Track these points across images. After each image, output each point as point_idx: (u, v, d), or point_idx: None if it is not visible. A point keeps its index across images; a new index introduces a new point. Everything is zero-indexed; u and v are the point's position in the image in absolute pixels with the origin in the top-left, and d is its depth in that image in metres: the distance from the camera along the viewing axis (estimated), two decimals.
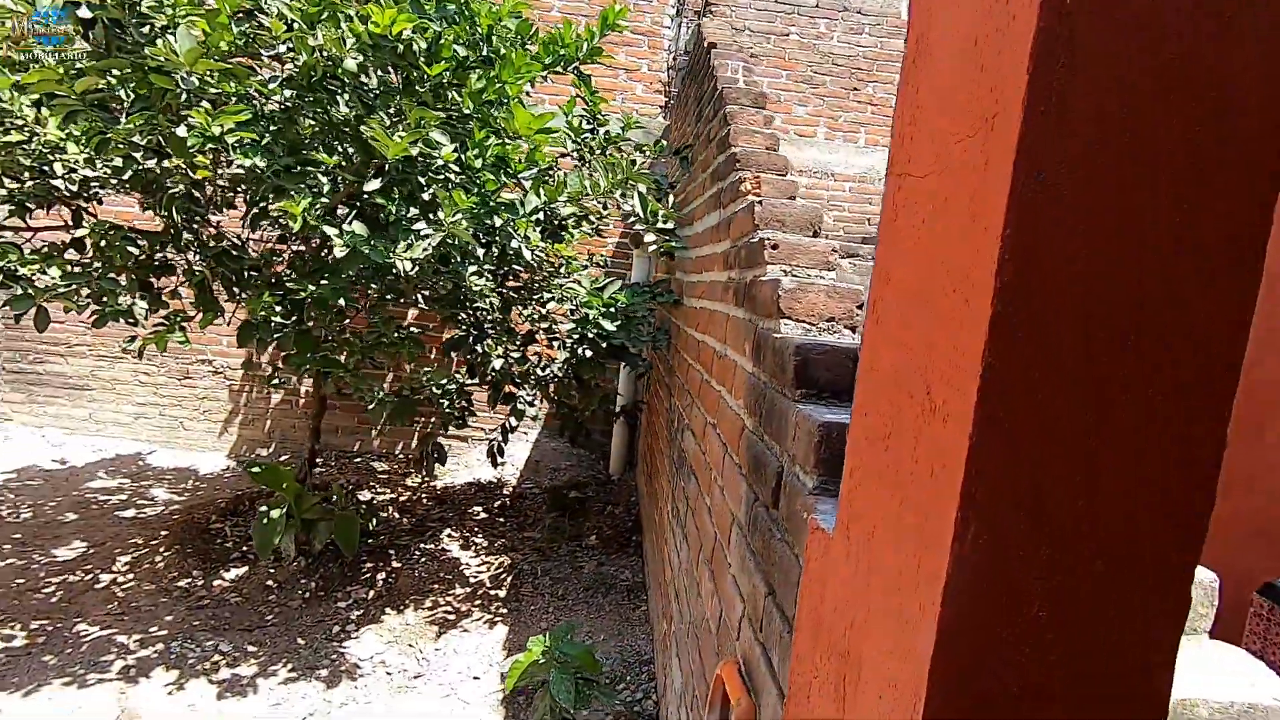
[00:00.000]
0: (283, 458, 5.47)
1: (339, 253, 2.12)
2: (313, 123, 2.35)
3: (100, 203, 2.89)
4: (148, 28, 1.95)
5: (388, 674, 2.96)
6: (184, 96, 2.03)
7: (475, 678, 2.94)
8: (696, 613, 1.98)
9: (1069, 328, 0.55)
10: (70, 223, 2.68)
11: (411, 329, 3.26)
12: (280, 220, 2.69)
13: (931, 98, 0.71)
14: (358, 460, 5.55)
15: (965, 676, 0.58)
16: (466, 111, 2.51)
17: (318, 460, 5.51)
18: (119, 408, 5.65)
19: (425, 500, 4.81)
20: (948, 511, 0.58)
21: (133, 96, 2.23)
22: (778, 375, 1.34)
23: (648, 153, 3.46)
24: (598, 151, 3.28)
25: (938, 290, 0.64)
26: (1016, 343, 0.55)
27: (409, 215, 2.40)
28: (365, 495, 4.84)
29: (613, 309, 3.08)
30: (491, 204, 2.49)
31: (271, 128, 2.21)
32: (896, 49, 5.56)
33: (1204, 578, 2.25)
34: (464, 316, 3.34)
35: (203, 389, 5.62)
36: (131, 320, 2.55)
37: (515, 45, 2.54)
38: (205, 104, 2.04)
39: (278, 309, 2.68)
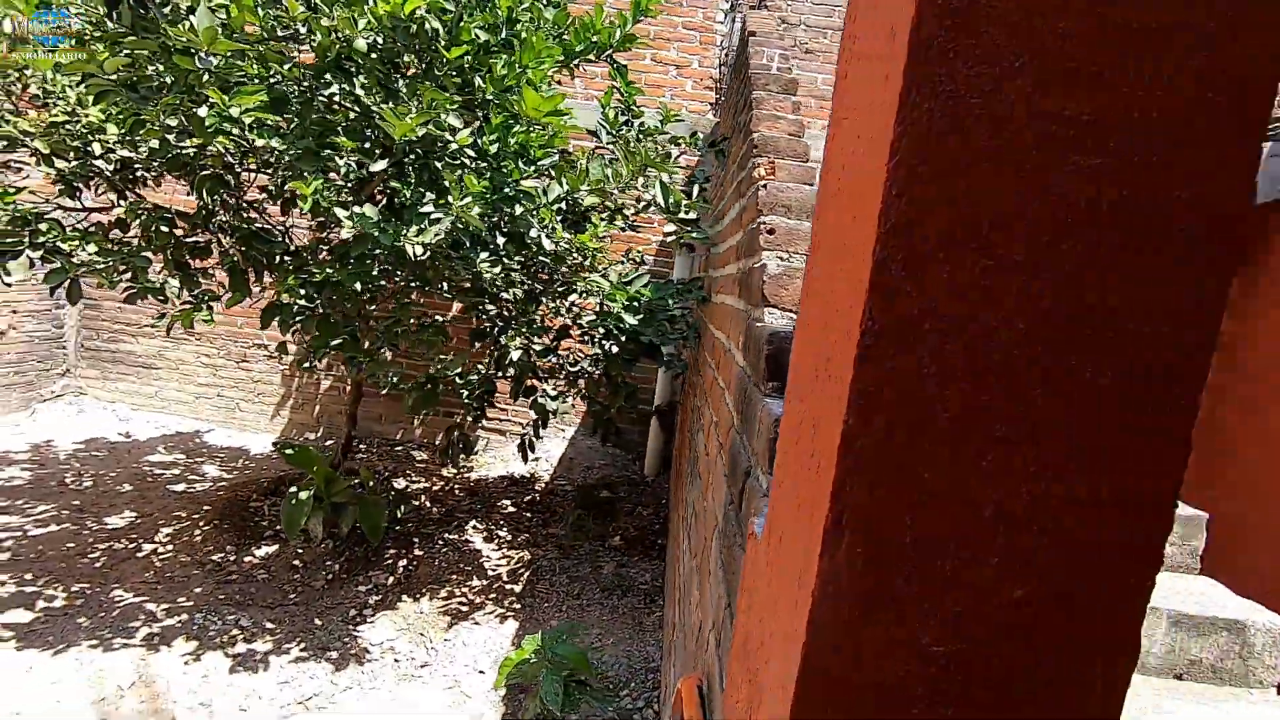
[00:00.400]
0: (328, 442, 5.62)
1: (345, 235, 2.11)
2: (339, 104, 2.36)
3: (147, 184, 2.99)
4: (170, 8, 1.99)
5: (395, 661, 2.95)
6: (205, 77, 2.07)
7: (480, 671, 2.90)
8: (686, 621, 1.87)
9: (977, 273, 0.43)
10: (114, 203, 2.79)
11: (437, 317, 3.26)
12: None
13: (865, 21, 0.60)
14: (399, 449, 5.65)
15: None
16: (488, 97, 2.47)
17: (361, 446, 5.65)
18: (182, 387, 5.93)
19: (457, 491, 4.83)
20: (821, 513, 0.47)
21: (170, 79, 2.29)
22: (754, 368, 1.22)
23: (683, 145, 3.36)
24: (632, 144, 3.21)
25: (842, 240, 0.53)
26: (906, 295, 0.43)
27: (425, 199, 2.39)
28: (400, 483, 4.91)
29: (636, 304, 3.00)
30: (509, 191, 2.45)
31: (292, 109, 2.24)
32: None
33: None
34: (490, 307, 3.32)
35: (258, 373, 5.84)
36: (162, 298, 2.63)
37: (536, 29, 2.50)
38: (216, 83, 2.07)
39: (301, 292, 2.71)
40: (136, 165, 2.68)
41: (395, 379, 2.86)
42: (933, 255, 0.43)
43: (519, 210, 2.59)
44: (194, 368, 5.92)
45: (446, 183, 2.26)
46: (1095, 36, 0.41)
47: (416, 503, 4.53)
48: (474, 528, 4.22)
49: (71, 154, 2.52)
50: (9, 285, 2.50)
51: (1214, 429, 3.55)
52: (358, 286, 2.52)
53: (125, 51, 2.21)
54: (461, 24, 2.32)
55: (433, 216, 2.22)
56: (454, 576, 3.63)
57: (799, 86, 2.56)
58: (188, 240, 2.91)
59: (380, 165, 2.22)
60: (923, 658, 0.46)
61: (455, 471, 5.20)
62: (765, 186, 1.66)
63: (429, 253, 2.34)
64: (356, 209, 2.17)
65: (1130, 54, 0.41)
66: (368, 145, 2.62)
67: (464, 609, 3.35)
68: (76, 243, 2.47)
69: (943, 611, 0.45)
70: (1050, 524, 0.44)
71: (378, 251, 2.64)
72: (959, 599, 0.45)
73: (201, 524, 4.03)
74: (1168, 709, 1.78)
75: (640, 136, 3.29)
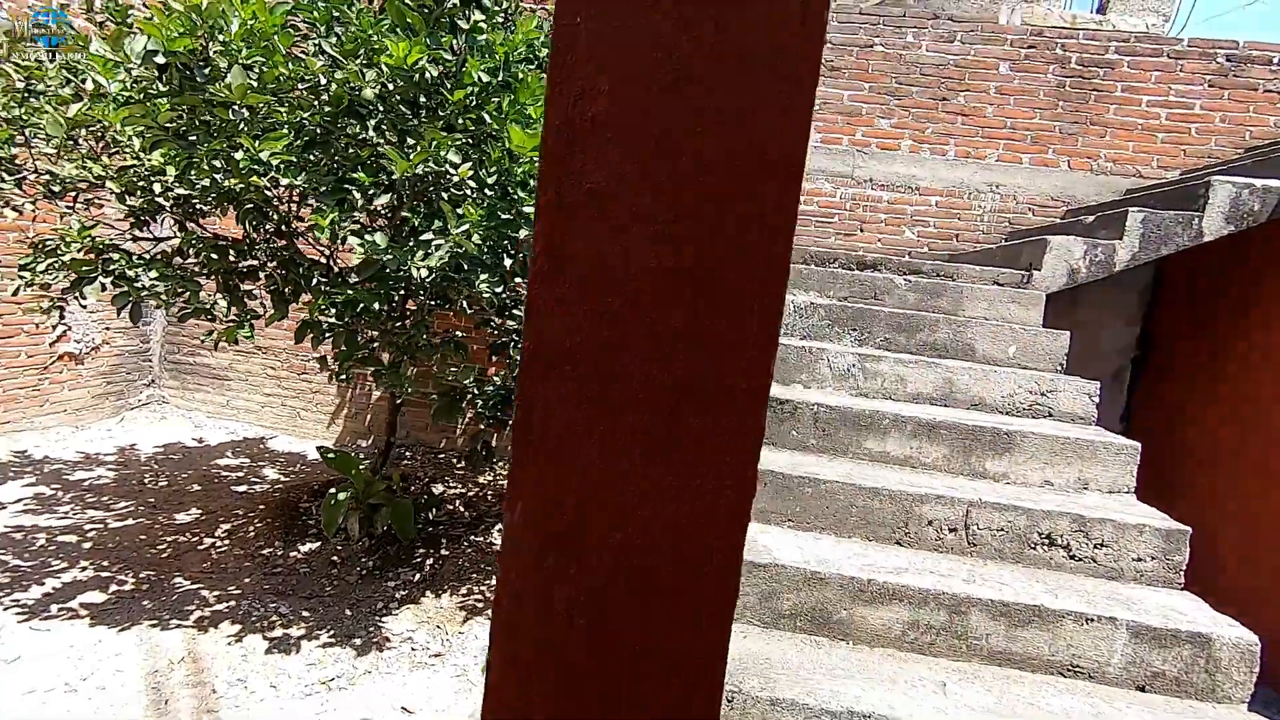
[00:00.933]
0: (377, 449, 6.01)
1: (355, 260, 2.38)
2: (354, 145, 2.66)
3: (207, 215, 3.37)
4: (210, 69, 2.32)
5: (412, 650, 3.20)
6: (240, 125, 2.39)
7: (488, 663, 3.10)
8: None
9: (598, 309, 0.59)
10: (174, 233, 3.18)
11: (458, 333, 3.52)
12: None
13: None
14: (441, 456, 5.98)
15: (514, 688, 0.62)
16: (491, 132, 2.71)
17: (407, 453, 6.01)
18: (250, 396, 6.46)
19: (490, 496, 5.10)
20: None
21: (218, 123, 2.63)
22: None
23: None
24: None
25: None
26: (551, 319, 0.59)
27: (433, 228, 2.64)
28: (439, 488, 5.21)
29: None
30: (507, 217, 2.67)
31: (313, 152, 2.54)
32: (992, 55, 5.24)
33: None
34: (510, 323, 3.56)
35: (316, 384, 6.30)
36: (211, 317, 2.99)
37: (533, 69, 2.73)
38: (256, 129, 2.39)
39: (331, 311, 3.01)
40: (194, 200, 3.04)
41: (410, 390, 3.13)
42: (568, 297, 0.59)
43: (523, 234, 2.81)
44: (261, 379, 6.44)
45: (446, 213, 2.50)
46: (670, 199, 0.57)
47: (450, 507, 4.81)
48: (499, 530, 4.46)
49: (139, 192, 2.91)
50: (84, 307, 2.89)
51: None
52: (376, 306, 2.79)
53: (180, 105, 2.57)
54: (465, 67, 2.57)
55: (435, 243, 2.47)
56: (475, 575, 3.87)
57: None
58: (240, 266, 3.27)
59: (384, 200, 2.49)
60: (579, 590, 0.61)
61: (492, 478, 5.48)
62: None
63: (434, 275, 2.59)
64: (368, 237, 2.43)
65: (697, 208, 0.57)
66: (390, 180, 2.91)
67: (479, 605, 3.57)
68: (140, 269, 2.84)
69: (591, 554, 0.61)
70: (660, 498, 0.59)
71: (399, 274, 2.93)
72: (603, 542, 0.61)
73: (256, 521, 4.42)
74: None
75: None
